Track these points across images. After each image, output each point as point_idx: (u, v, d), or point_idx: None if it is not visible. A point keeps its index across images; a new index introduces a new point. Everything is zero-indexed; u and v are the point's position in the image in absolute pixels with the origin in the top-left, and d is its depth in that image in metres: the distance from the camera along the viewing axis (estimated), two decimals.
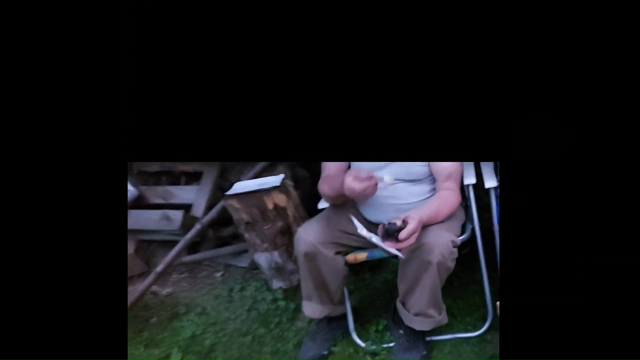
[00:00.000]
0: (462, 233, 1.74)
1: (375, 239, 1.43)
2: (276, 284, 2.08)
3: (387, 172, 1.56)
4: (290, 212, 1.95)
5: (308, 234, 1.62)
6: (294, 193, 1.98)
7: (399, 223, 1.43)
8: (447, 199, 1.62)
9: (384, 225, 1.44)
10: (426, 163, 1.65)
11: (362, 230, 1.44)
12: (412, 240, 1.45)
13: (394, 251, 1.42)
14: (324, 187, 1.65)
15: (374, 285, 2.16)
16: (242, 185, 1.96)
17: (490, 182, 1.76)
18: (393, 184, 1.51)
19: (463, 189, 1.75)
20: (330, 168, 1.70)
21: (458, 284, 2.09)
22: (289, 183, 1.98)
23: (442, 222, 1.59)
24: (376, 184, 1.46)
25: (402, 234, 1.41)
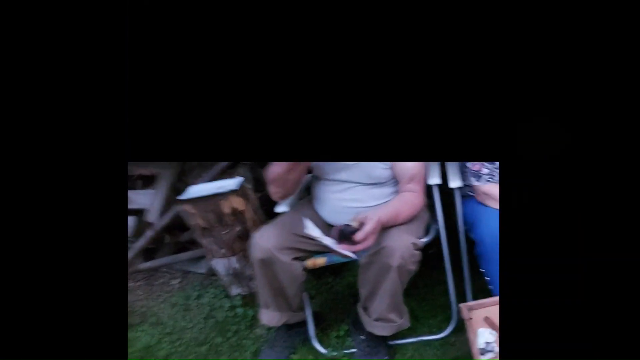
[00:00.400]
0: (426, 234, 1.71)
1: (327, 241, 1.37)
2: (235, 290, 2.00)
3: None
4: (249, 216, 1.87)
5: (264, 240, 1.55)
6: (253, 196, 1.90)
7: (355, 224, 1.37)
8: (409, 200, 1.57)
9: (339, 226, 1.38)
10: (389, 166, 1.61)
11: (313, 231, 1.38)
12: (370, 242, 1.40)
13: (347, 253, 1.37)
14: (272, 168, 1.56)
15: (336, 289, 2.11)
16: (198, 189, 1.87)
17: (455, 182, 1.72)
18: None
19: (431, 189, 1.71)
20: None
21: (423, 285, 2.07)
22: (248, 186, 1.90)
23: (403, 224, 1.55)
24: None
25: (358, 235, 1.36)
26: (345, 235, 1.36)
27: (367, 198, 1.63)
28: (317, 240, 1.40)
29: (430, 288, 2.03)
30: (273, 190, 1.63)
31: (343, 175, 1.62)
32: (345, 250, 1.37)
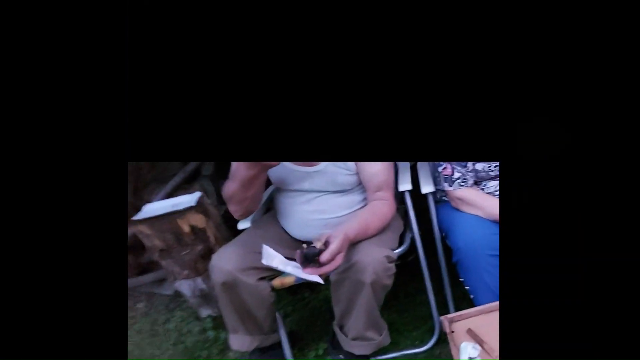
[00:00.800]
0: (400, 244, 1.60)
1: (290, 268, 1.25)
2: (204, 312, 1.87)
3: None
4: (210, 233, 1.74)
5: (224, 262, 1.42)
6: (214, 212, 1.77)
7: (319, 245, 1.25)
8: (379, 210, 1.46)
9: (302, 249, 1.26)
10: (353, 171, 1.49)
11: (273, 261, 1.26)
12: (338, 261, 1.28)
13: (314, 278, 1.25)
14: (228, 185, 1.45)
15: (313, 305, 2.00)
16: (153, 208, 1.73)
17: (427, 187, 1.62)
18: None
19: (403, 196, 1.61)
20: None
21: (404, 295, 1.99)
22: (208, 201, 1.77)
23: (374, 235, 1.43)
24: None
25: (324, 256, 1.24)
26: (310, 258, 1.24)
27: (335, 208, 1.52)
28: (280, 271, 1.28)
29: (412, 298, 1.94)
30: (233, 209, 1.50)
31: (306, 185, 1.50)
32: (312, 276, 1.25)
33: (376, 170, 1.47)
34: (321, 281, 1.27)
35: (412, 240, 1.65)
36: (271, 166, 1.35)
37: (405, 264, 1.74)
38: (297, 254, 1.27)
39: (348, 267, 1.36)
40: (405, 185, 1.62)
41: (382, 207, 1.47)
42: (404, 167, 1.79)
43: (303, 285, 2.01)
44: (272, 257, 1.26)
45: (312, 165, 1.48)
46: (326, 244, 1.26)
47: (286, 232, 1.59)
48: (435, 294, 1.71)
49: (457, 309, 1.68)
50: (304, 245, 1.27)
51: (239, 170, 1.37)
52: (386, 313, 1.88)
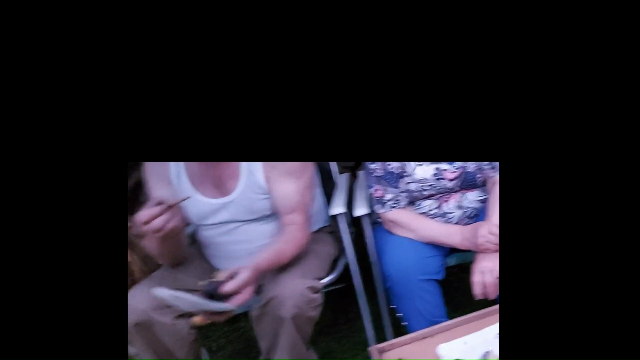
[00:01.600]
0: (332, 270, 1.55)
1: (187, 304, 1.18)
2: (131, 349, 1.76)
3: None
4: (135, 267, 1.65)
5: (137, 301, 1.33)
6: (139, 245, 1.68)
7: (220, 278, 1.19)
8: (290, 235, 1.39)
9: (202, 286, 1.19)
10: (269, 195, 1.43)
11: (175, 301, 1.18)
12: (247, 295, 1.21)
13: (223, 307, 1.18)
14: (145, 243, 1.37)
15: (248, 336, 1.91)
16: None
17: (361, 209, 1.56)
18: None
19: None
20: None
21: (344, 321, 1.92)
22: (132, 232, 1.67)
23: (294, 264, 1.37)
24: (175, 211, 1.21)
25: (224, 288, 1.17)
26: (213, 294, 1.17)
27: (258, 236, 1.44)
28: (187, 309, 1.21)
29: (352, 323, 1.88)
30: (161, 262, 1.43)
31: (223, 216, 1.42)
32: (220, 304, 1.18)
33: (287, 192, 1.39)
34: (232, 307, 1.20)
35: (347, 266, 1.60)
36: (167, 237, 1.27)
37: (346, 289, 1.68)
38: (200, 293, 1.19)
39: (266, 302, 1.29)
40: (338, 209, 1.56)
41: (294, 233, 1.39)
42: (340, 190, 1.73)
43: (239, 315, 1.93)
44: (175, 296, 1.18)
45: (225, 196, 1.41)
46: (233, 275, 1.19)
47: (214, 266, 1.51)
48: (375, 320, 1.66)
49: (397, 335, 1.64)
50: (204, 282, 1.19)
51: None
52: (324, 340, 1.82)
